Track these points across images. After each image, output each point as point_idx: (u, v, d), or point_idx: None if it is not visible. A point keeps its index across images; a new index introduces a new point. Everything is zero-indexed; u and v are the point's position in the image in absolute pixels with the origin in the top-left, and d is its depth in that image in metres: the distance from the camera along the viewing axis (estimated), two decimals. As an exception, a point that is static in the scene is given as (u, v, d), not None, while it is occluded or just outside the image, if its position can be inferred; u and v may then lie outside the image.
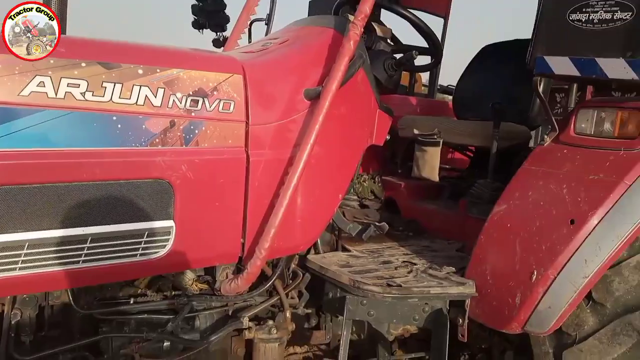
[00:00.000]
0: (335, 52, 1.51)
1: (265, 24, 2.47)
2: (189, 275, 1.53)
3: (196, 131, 1.34)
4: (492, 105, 2.01)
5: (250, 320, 1.57)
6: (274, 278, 1.60)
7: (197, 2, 2.68)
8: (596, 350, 1.49)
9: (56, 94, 1.13)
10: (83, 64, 1.17)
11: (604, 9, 1.50)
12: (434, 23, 3.62)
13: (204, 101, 1.35)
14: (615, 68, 1.47)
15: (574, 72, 1.56)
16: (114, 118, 1.22)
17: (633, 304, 1.48)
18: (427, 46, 2.18)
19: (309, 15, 2.95)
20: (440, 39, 3.49)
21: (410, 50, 2.01)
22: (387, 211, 2.54)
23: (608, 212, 1.45)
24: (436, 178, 2.30)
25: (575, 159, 1.62)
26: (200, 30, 2.75)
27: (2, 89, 1.10)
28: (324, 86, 1.45)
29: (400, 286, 1.60)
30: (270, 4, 2.46)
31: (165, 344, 1.45)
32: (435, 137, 2.26)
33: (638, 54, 1.43)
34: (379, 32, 2.47)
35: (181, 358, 1.46)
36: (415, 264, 1.84)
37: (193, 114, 1.33)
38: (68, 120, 1.15)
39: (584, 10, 1.54)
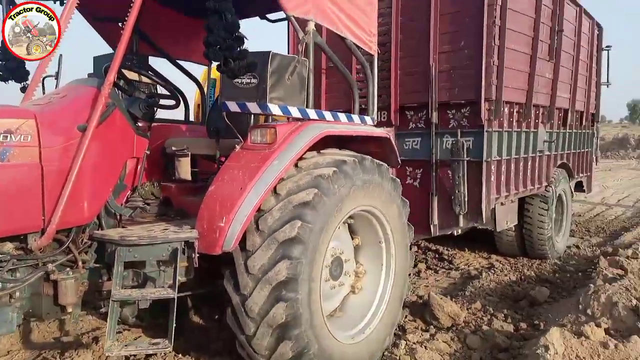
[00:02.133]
0: (96, 102, 2.59)
1: (55, 79, 3.41)
2: (9, 245, 2.44)
3: (8, 154, 2.30)
4: (212, 129, 3.29)
5: (56, 270, 2.54)
6: (69, 241, 2.60)
7: (0, 62, 3.45)
8: (259, 254, 2.78)
9: None
10: None
11: (246, 77, 2.87)
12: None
13: (11, 136, 2.32)
14: (253, 107, 2.85)
15: (238, 109, 2.91)
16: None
17: (275, 228, 2.81)
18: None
19: (94, 68, 3.93)
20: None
21: (156, 97, 3.19)
22: (165, 206, 3.65)
23: (255, 182, 2.79)
24: (189, 178, 3.50)
25: (248, 157, 2.95)
26: (6, 82, 3.51)
27: None
28: (88, 123, 2.53)
29: (151, 236, 2.74)
30: (58, 65, 3.41)
31: (-5, 286, 2.34)
32: (185, 151, 3.46)
33: (261, 101, 2.82)
34: (145, 80, 3.61)
35: (5, 294, 2.36)
36: (169, 229, 2.99)
37: (4, 144, 2.29)
38: None
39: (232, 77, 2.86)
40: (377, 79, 3.90)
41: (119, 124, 2.83)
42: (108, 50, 4.03)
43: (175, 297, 2.61)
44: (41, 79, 3.26)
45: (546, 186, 6.09)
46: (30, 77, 3.39)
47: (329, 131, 3.08)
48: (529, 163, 5.64)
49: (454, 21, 4.71)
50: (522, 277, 5.58)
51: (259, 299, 2.77)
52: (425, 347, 3.60)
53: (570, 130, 6.70)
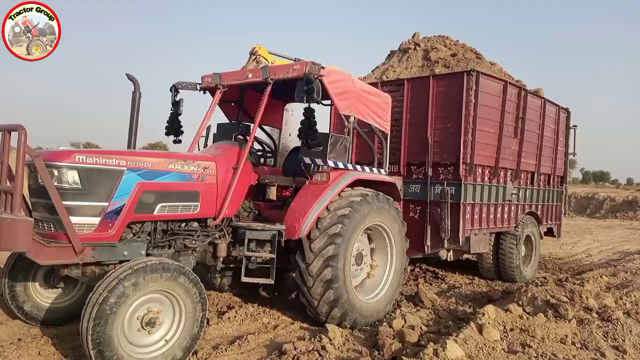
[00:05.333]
0: (239, 156, 5.08)
1: (205, 139, 5.96)
2: (196, 224, 4.87)
3: (205, 177, 4.77)
4: (290, 170, 5.75)
5: (217, 237, 4.97)
6: (223, 225, 5.03)
7: (167, 124, 6.04)
8: (317, 241, 5.14)
9: (174, 167, 4.50)
10: (177, 159, 4.57)
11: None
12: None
13: (206, 169, 4.80)
14: (319, 162, 5.29)
15: (309, 162, 5.36)
16: (186, 174, 4.61)
17: (327, 227, 5.16)
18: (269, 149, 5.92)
19: (217, 130, 6.47)
20: (277, 142, 7.32)
21: (261, 153, 5.72)
22: (256, 215, 6.08)
23: (317, 202, 5.17)
24: (274, 199, 5.92)
25: (313, 188, 5.35)
26: (168, 136, 6.08)
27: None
28: (237, 166, 5.00)
29: (263, 226, 5.15)
30: (207, 132, 5.96)
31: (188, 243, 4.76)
32: (273, 182, 5.91)
33: (323, 158, 5.26)
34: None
35: (193, 248, 4.78)
36: (267, 225, 5.39)
37: (204, 173, 4.77)
38: (179, 175, 4.52)
39: (309, 147, 5.34)
40: (391, 144, 6.31)
41: (249, 166, 5.32)
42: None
43: (275, 258, 4.98)
44: (198, 138, 5.83)
45: (515, 227, 8.31)
46: (182, 136, 5.98)
47: (358, 177, 5.50)
48: (499, 208, 7.91)
49: (444, 110, 7.18)
50: (491, 289, 7.73)
51: (316, 265, 5.10)
52: (412, 314, 5.82)
53: (538, 188, 8.95)
